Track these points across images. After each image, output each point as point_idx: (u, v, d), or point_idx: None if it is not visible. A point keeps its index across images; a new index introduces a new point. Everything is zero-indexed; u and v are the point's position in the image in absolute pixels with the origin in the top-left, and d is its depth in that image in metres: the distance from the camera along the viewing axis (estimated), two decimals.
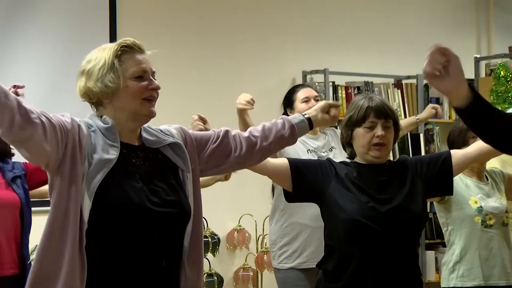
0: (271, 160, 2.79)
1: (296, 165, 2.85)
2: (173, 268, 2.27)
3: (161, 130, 2.35)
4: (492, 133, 2.08)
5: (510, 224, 3.65)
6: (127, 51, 2.26)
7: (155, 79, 2.29)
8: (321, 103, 2.59)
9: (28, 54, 4.98)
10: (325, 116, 2.55)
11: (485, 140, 2.20)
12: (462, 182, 3.57)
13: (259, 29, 6.05)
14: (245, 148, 2.43)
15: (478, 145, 2.98)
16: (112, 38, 5.24)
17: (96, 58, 2.25)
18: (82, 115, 2.32)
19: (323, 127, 4.02)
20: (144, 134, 2.31)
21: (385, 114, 2.82)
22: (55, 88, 5.04)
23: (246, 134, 2.46)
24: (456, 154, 2.97)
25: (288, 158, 2.89)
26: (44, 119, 2.05)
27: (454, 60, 1.95)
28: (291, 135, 2.48)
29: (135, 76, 2.25)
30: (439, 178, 2.93)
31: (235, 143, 2.43)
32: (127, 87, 2.23)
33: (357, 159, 2.90)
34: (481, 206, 3.52)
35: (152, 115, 2.28)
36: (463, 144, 3.56)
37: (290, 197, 2.89)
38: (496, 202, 3.57)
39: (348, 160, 2.95)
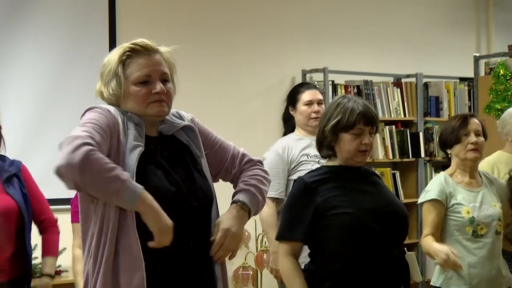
0: None
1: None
2: (201, 250, 2.28)
3: (172, 114, 2.37)
4: None
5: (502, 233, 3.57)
6: (131, 55, 2.27)
7: (166, 80, 2.30)
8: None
9: (28, 54, 4.97)
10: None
11: None
12: (455, 191, 3.53)
13: (259, 28, 6.05)
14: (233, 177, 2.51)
15: None
16: (112, 38, 5.24)
17: (108, 61, 2.28)
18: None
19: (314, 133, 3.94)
20: (159, 123, 2.33)
21: (372, 121, 2.83)
22: (55, 88, 5.04)
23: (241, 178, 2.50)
24: None
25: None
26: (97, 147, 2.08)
27: None
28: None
29: (139, 82, 2.26)
30: None
31: (231, 167, 2.48)
32: (130, 93, 2.25)
33: (336, 162, 2.89)
34: (473, 217, 3.46)
35: (160, 114, 2.29)
36: (456, 142, 3.54)
37: None
38: (489, 210, 3.50)
39: (322, 164, 2.95)
